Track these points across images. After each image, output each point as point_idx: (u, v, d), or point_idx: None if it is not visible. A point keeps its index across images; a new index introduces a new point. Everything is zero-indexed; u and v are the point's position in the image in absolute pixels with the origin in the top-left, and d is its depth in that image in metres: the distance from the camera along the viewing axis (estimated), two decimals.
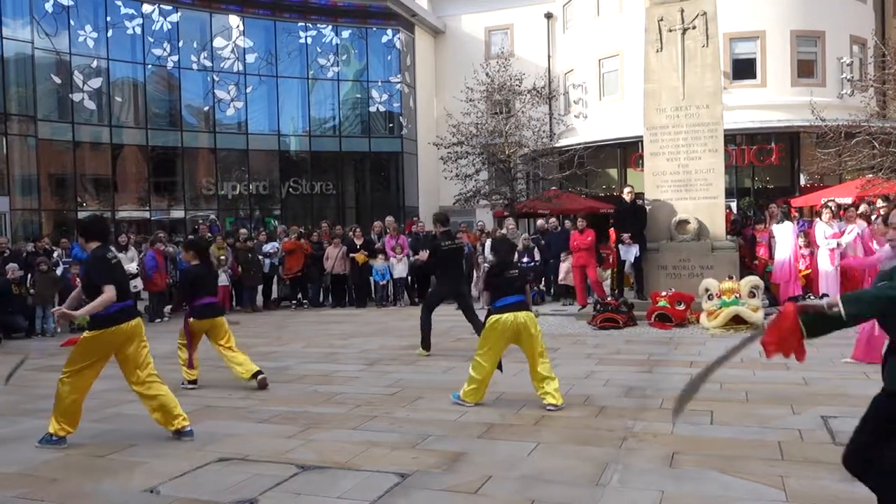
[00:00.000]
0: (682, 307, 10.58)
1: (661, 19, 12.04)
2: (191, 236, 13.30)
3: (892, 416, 3.14)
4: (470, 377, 6.25)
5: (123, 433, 5.76)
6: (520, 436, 5.31)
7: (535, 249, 15.16)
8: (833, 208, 12.29)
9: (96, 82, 25.04)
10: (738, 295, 10.14)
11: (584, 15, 28.02)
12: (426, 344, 9.01)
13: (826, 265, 11.32)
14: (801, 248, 11.83)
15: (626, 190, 12.53)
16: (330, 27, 29.95)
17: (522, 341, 6.20)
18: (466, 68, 25.42)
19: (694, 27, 11.85)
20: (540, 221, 18.13)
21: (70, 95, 24.36)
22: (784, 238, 11.82)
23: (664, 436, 5.18)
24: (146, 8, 26.08)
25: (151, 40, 26.30)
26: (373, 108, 30.78)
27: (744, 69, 24.28)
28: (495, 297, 6.31)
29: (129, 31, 25.87)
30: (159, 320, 13.97)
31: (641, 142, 12.71)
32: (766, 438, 5.00)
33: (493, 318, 6.23)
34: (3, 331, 11.80)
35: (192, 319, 7.51)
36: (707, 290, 10.42)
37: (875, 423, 3.19)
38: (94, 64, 24.99)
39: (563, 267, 14.30)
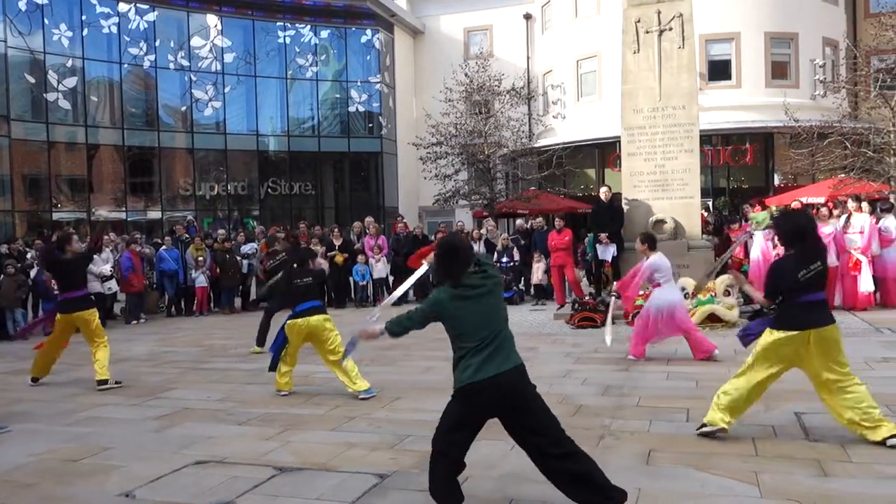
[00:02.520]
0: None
1: (638, 21, 12.13)
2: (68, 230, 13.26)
3: None
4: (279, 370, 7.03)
5: (98, 437, 5.70)
6: (499, 435, 5.28)
7: (514, 249, 15.21)
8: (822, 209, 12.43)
9: (71, 81, 24.72)
10: (713, 293, 10.25)
11: (562, 16, 28.16)
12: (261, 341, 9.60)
13: None
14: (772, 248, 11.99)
15: (604, 190, 12.62)
16: (309, 27, 29.82)
17: (314, 342, 7.02)
18: (446, 68, 25.44)
19: (670, 29, 11.95)
20: (519, 221, 18.19)
21: (44, 95, 24.03)
22: (757, 238, 11.98)
23: (641, 434, 5.23)
24: (122, 7, 25.78)
25: (127, 39, 26.01)
26: (352, 108, 30.68)
27: (719, 70, 24.54)
28: (293, 304, 7.11)
29: (105, 30, 25.56)
30: (135, 322, 13.83)
31: (619, 142, 12.80)
32: (740, 435, 5.07)
33: (289, 322, 7.02)
34: None
35: (58, 314, 7.70)
36: (683, 288, 10.51)
37: None
38: (69, 63, 24.67)
39: (539, 267, 14.38)
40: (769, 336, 4.90)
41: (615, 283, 9.03)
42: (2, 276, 12.25)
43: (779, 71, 24.68)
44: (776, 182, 24.55)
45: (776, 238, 7.72)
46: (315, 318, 6.95)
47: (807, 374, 4.97)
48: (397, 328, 4.10)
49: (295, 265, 7.39)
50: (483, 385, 3.62)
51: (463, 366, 3.69)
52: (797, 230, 4.97)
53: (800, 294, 4.81)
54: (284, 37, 29.38)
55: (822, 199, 17.00)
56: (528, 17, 30.79)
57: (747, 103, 23.93)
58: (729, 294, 10.33)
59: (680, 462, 4.57)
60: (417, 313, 3.95)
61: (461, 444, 3.78)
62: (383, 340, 4.21)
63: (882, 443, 4.65)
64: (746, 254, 12.37)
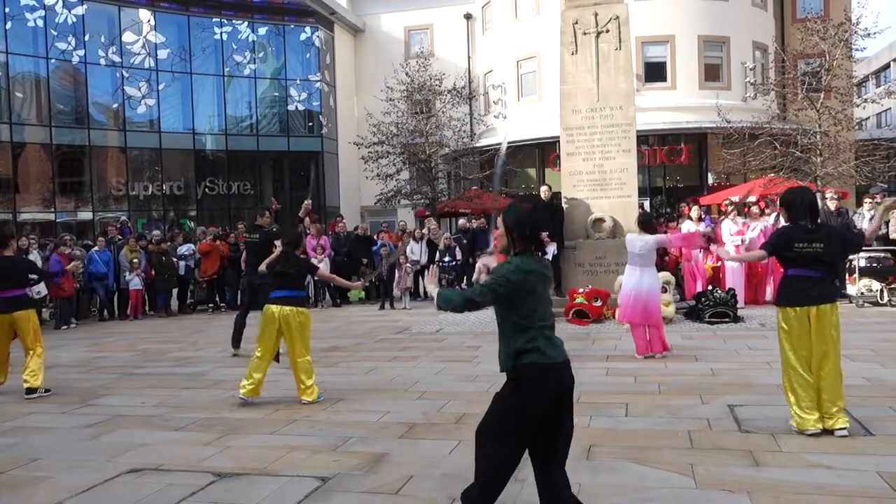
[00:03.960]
0: (598, 303, 10.86)
1: (576, 22, 12.31)
2: None
3: None
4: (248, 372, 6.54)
5: (26, 447, 5.46)
6: (441, 435, 5.33)
7: (457, 249, 15.26)
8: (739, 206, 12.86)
9: None
10: None
11: (502, 17, 28.38)
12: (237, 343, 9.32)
13: (731, 261, 11.85)
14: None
15: (544, 189, 12.78)
16: (246, 23, 29.26)
17: (285, 334, 6.53)
18: (387, 68, 25.37)
19: (607, 31, 12.16)
20: (462, 221, 18.25)
21: None
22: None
23: (581, 429, 5.29)
24: (48, 0, 24.81)
25: (55, 33, 25.03)
26: (291, 107, 30.26)
27: (655, 72, 25.14)
28: (273, 289, 6.62)
29: (31, 24, 24.54)
30: (66, 327, 13.34)
31: (558, 142, 12.96)
32: (677, 428, 5.19)
33: (265, 307, 6.58)
34: None
35: None
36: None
37: None
38: None
39: (480, 264, 14.47)
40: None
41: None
42: None
43: (711, 73, 25.44)
44: (710, 181, 25.29)
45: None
46: (289, 309, 6.49)
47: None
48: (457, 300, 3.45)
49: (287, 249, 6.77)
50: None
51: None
52: (811, 203, 5.06)
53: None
54: (221, 33, 28.77)
55: (753, 198, 17.58)
56: (468, 17, 30.93)
57: (682, 104, 24.58)
58: (666, 291, 10.56)
59: (619, 456, 4.65)
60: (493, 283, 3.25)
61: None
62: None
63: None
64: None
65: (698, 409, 5.69)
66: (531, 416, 3.16)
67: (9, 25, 23.92)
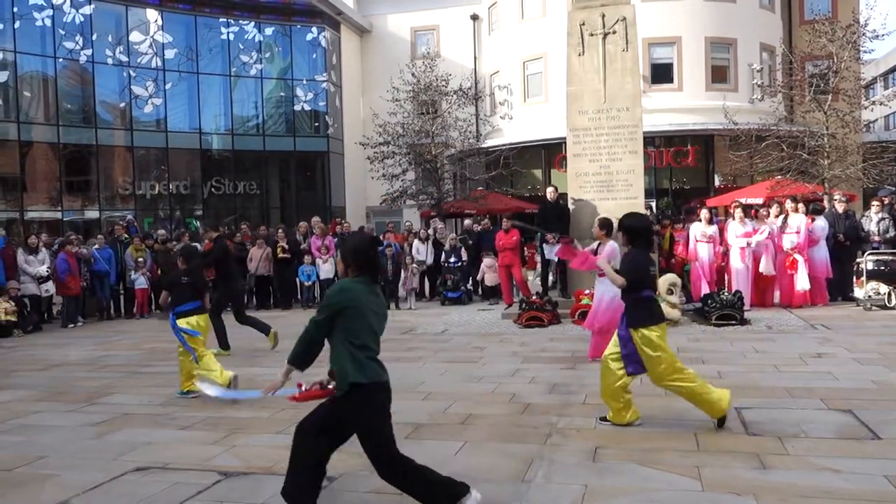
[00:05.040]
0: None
1: (583, 23, 12.29)
2: None
3: None
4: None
5: (32, 445, 5.48)
6: (447, 435, 5.33)
7: (462, 249, 15.25)
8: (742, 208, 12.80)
9: (2, 76, 23.77)
10: (657, 293, 10.45)
11: (508, 17, 28.38)
12: (224, 344, 9.55)
13: (737, 262, 11.83)
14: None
15: (550, 190, 12.75)
16: (253, 24, 29.35)
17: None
18: (393, 68, 25.36)
19: (614, 32, 12.14)
20: (467, 221, 18.24)
21: None
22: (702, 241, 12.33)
23: (587, 431, 5.30)
24: None
25: (62, 33, 25.14)
26: (298, 107, 30.32)
27: (661, 73, 25.09)
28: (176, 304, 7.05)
29: (39, 23, 24.65)
30: (73, 325, 13.39)
31: (565, 143, 12.93)
32: (683, 431, 5.18)
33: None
34: None
35: None
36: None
37: None
38: (0, 56, 23.71)
39: (484, 265, 14.50)
40: (654, 333, 5.15)
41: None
42: None
43: (718, 75, 25.38)
44: (716, 183, 25.22)
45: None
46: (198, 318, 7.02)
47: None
48: (300, 351, 3.95)
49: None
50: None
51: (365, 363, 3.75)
52: (647, 228, 5.42)
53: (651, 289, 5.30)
54: (228, 33, 28.86)
55: (759, 200, 17.54)
56: (475, 17, 30.94)
57: (689, 106, 24.52)
58: (672, 293, 10.54)
59: (625, 458, 4.64)
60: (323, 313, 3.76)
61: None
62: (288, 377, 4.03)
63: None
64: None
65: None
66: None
67: (17, 25, 24.04)
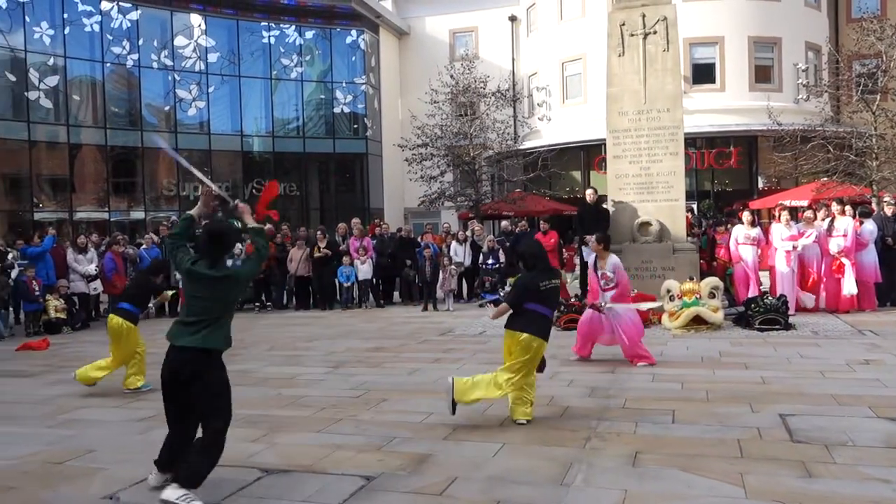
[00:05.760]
0: (645, 308, 10.71)
1: (623, 24, 12.19)
2: None
3: None
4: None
5: (81, 439, 5.63)
6: (485, 437, 5.33)
7: (500, 251, 15.23)
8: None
9: (53, 80, 24.46)
10: (698, 296, 10.31)
11: (547, 19, 28.26)
12: None
13: (782, 266, 11.59)
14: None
15: (589, 192, 12.67)
16: (293, 27, 29.71)
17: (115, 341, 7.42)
18: (431, 70, 25.46)
19: (655, 32, 12.02)
20: (504, 223, 18.20)
21: (26, 93, 23.75)
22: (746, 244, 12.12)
23: (627, 435, 5.25)
24: (105, 5, 25.55)
25: (110, 38, 25.78)
26: (337, 109, 30.60)
27: (703, 74, 24.74)
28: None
29: (87, 29, 25.32)
30: None
31: (604, 144, 12.84)
32: (726, 437, 5.10)
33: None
34: None
35: None
36: (669, 290, 10.58)
37: None
38: (51, 61, 24.41)
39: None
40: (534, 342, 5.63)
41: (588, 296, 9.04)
42: None
43: (762, 75, 24.93)
44: (760, 185, 24.79)
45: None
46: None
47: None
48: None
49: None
50: None
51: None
52: (538, 253, 5.90)
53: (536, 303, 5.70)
54: (269, 37, 29.26)
55: (804, 203, 17.18)
56: (513, 19, 30.87)
57: (731, 106, 24.14)
58: (714, 296, 10.39)
59: (666, 463, 4.58)
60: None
61: None
62: None
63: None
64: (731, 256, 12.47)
65: (748, 418, 5.58)
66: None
67: (67, 30, 24.71)
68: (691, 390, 6.57)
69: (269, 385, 7.52)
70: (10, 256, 13.79)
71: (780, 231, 11.76)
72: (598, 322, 8.15)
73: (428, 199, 23.85)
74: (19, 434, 5.84)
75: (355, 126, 31.27)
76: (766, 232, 12.37)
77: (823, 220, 12.19)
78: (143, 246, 14.77)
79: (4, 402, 7.14)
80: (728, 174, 25.53)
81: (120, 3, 25.89)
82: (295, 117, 30.41)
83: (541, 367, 5.95)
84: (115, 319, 7.39)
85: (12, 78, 23.49)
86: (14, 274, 13.01)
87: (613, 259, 8.40)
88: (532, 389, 5.76)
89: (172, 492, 3.96)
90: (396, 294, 16.34)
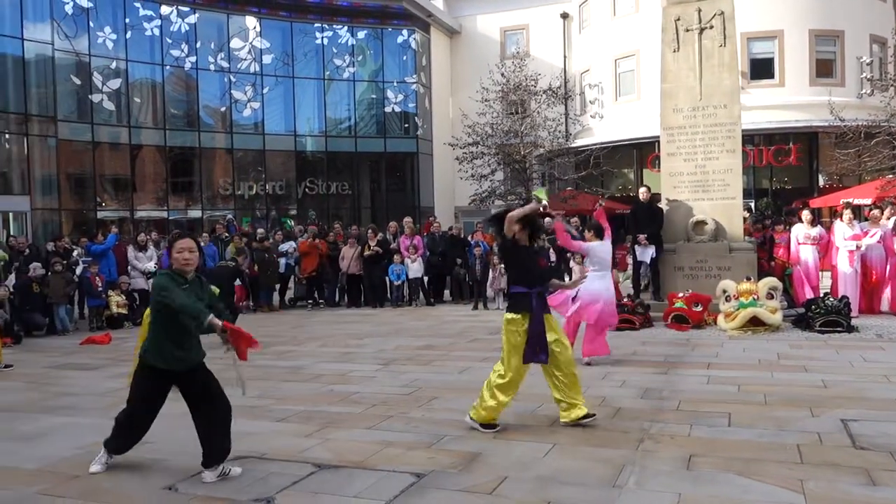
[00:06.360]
0: (699, 308, 10.51)
1: (678, 19, 11.97)
2: None
3: None
4: None
5: None
6: (535, 437, 5.30)
7: (551, 250, 15.10)
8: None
9: (115, 83, 25.29)
10: (756, 296, 10.05)
11: (600, 15, 27.94)
12: None
13: (845, 266, 11.21)
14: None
15: (642, 190, 12.46)
16: (346, 28, 30.06)
17: None
18: (482, 68, 25.43)
19: (711, 27, 11.77)
20: (547, 220, 17.88)
21: (89, 96, 24.62)
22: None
23: (681, 438, 5.15)
24: (164, 9, 26.30)
25: (169, 41, 26.52)
26: (388, 109, 30.85)
27: (762, 69, 24.12)
28: None
29: (148, 33, 26.10)
30: None
31: (658, 142, 12.64)
32: (784, 441, 4.96)
33: None
34: (23, 328, 11.93)
35: None
36: (725, 291, 10.35)
37: None
38: (113, 65, 25.25)
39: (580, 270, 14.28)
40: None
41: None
42: (50, 273, 12.56)
43: (824, 69, 24.17)
44: (821, 183, 24.05)
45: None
46: None
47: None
48: None
49: None
50: None
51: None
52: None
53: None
54: (322, 38, 29.66)
55: (868, 201, 16.59)
56: (565, 16, 30.62)
57: (791, 102, 23.48)
58: (772, 297, 10.11)
59: (722, 467, 4.48)
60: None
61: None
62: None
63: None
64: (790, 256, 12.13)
65: (808, 423, 5.41)
66: None
67: (128, 35, 25.51)
68: (748, 393, 6.42)
69: (322, 381, 7.62)
70: (74, 254, 14.31)
71: (843, 230, 11.38)
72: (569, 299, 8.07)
73: (478, 197, 23.84)
74: (83, 425, 6.04)
75: (406, 125, 31.46)
76: (828, 231, 11.98)
77: (889, 218, 11.76)
78: (202, 244, 15.12)
79: (69, 393, 7.41)
80: (787, 172, 24.83)
81: (179, 7, 26.59)
82: (347, 117, 30.77)
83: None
84: None
85: (77, 81, 24.37)
86: (78, 271, 13.50)
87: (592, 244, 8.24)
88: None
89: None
90: (447, 292, 16.38)
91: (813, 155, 24.26)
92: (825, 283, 12.20)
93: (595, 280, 7.98)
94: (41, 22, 23.19)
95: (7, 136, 22.83)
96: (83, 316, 14.00)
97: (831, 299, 10.16)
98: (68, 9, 23.90)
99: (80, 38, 24.30)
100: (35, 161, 23.10)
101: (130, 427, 4.74)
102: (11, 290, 12.04)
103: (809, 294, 11.26)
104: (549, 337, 5.48)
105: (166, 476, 4.64)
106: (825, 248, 11.87)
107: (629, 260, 13.53)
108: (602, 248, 8.18)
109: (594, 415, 5.48)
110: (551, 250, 15.09)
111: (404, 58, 31.00)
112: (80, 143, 24.64)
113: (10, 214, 22.12)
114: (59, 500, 4.31)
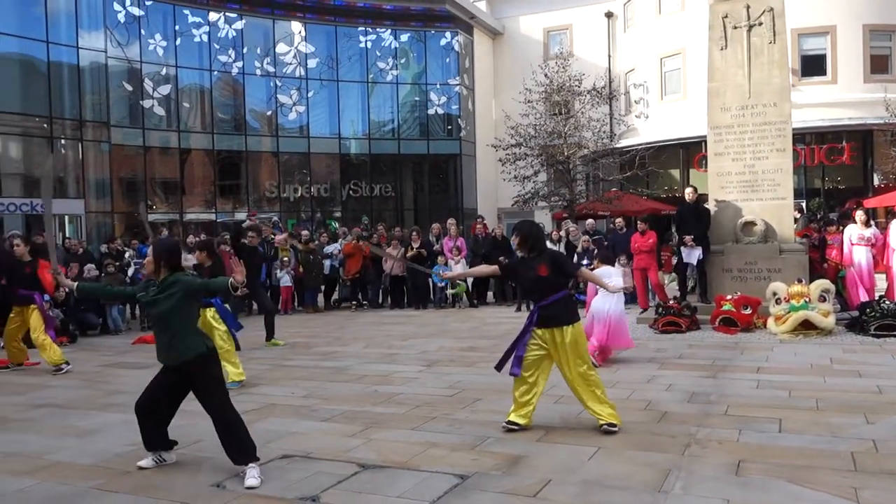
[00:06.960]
0: (748, 311, 10.28)
1: (726, 16, 11.75)
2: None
3: None
4: None
5: (190, 429, 5.90)
6: (580, 440, 5.25)
7: (596, 251, 14.94)
8: None
9: (165, 89, 25.89)
10: (807, 299, 9.78)
11: (645, 13, 27.60)
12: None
13: None
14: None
15: (689, 191, 12.26)
16: (389, 31, 30.25)
17: None
18: (525, 69, 25.33)
19: (760, 23, 11.53)
20: (589, 221, 17.69)
21: (141, 102, 25.25)
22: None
23: (729, 443, 5.05)
24: (212, 16, 26.84)
25: (217, 47, 27.04)
26: (431, 111, 30.94)
27: (813, 66, 23.52)
28: None
29: (197, 39, 26.66)
30: None
31: (705, 142, 12.43)
32: (837, 448, 4.82)
33: None
34: (77, 328, 12.31)
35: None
36: (775, 293, 10.10)
37: None
38: (164, 71, 25.85)
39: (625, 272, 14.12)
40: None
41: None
42: (102, 274, 12.93)
43: (879, 65, 23.45)
44: (876, 182, 23.32)
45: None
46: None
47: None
48: None
49: None
50: None
51: None
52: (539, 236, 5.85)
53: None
54: (366, 41, 29.91)
55: None
56: (609, 15, 30.31)
57: (844, 99, 22.84)
58: (824, 300, 9.84)
59: (772, 474, 4.38)
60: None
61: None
62: None
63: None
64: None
65: (862, 429, 5.26)
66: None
67: (178, 42, 26.10)
68: (799, 398, 6.26)
69: (366, 382, 7.68)
70: (126, 255, 14.70)
71: None
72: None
73: (521, 199, 23.73)
74: (134, 422, 6.17)
75: (449, 127, 31.52)
76: (883, 232, 11.61)
77: None
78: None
79: (122, 391, 7.60)
80: (840, 171, 24.15)
81: (226, 14, 27.11)
82: (390, 119, 30.97)
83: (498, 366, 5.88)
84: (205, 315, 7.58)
85: (129, 88, 25.02)
86: (130, 272, 13.86)
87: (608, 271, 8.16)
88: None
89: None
90: (490, 294, 16.35)
91: (867, 153, 23.56)
92: (880, 285, 11.82)
93: (605, 298, 7.95)
94: (95, 30, 23.87)
95: (63, 141, 23.57)
96: (135, 316, 14.38)
97: (887, 302, 9.84)
98: (121, 17, 24.55)
99: (131, 46, 24.95)
100: (89, 165, 23.78)
101: (139, 417, 4.94)
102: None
103: (863, 297, 10.93)
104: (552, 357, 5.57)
105: (215, 473, 4.74)
106: (880, 249, 11.51)
107: (674, 261, 13.34)
108: (610, 271, 8.19)
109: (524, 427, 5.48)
110: (596, 251, 14.94)
111: (447, 60, 31.07)
112: (131, 147, 25.29)
113: (66, 217, 22.82)
114: (114, 496, 4.43)
